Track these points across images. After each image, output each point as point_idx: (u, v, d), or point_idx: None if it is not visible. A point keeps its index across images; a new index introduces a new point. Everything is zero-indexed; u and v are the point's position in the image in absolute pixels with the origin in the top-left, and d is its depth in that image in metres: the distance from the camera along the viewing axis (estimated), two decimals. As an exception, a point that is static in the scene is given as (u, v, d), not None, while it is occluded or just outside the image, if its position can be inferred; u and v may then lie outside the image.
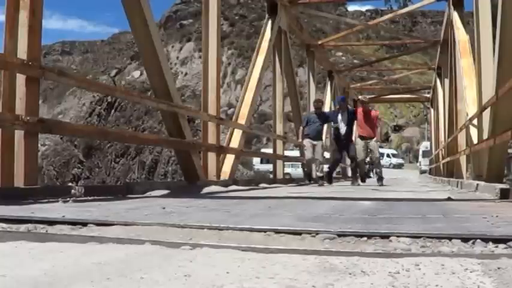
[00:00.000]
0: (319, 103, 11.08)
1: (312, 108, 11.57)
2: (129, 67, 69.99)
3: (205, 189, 6.09)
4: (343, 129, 10.12)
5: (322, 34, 48.75)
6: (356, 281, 1.31)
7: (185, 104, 10.16)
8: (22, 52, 3.90)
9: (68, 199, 3.55)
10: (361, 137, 10.13)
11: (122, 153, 31.52)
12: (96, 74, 64.75)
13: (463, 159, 9.89)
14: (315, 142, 10.11)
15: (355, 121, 10.31)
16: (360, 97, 12.36)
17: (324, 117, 10.61)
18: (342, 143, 10.23)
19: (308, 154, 10.26)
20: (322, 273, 1.39)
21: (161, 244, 1.80)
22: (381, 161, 11.62)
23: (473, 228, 2.05)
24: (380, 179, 10.14)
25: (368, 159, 11.23)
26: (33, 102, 3.98)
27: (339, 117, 10.24)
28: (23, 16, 3.95)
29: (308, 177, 11.43)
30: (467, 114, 8.19)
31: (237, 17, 73.10)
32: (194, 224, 2.16)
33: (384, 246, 1.79)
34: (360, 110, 10.34)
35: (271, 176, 13.32)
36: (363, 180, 10.40)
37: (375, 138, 10.06)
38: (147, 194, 4.88)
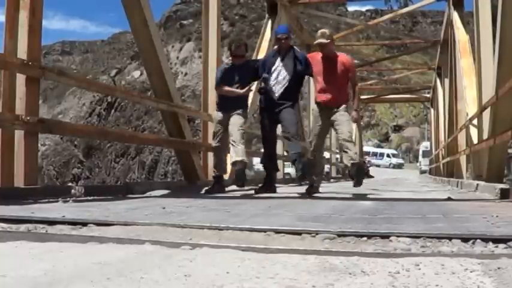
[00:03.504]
0: (241, 47, 5.62)
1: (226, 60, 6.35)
2: (129, 67, 69.94)
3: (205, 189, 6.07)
4: (278, 85, 5.43)
5: (322, 34, 48.63)
6: (356, 281, 1.31)
7: (185, 104, 10.14)
8: (22, 52, 3.90)
9: (68, 199, 3.55)
10: (320, 104, 5.47)
11: (122, 153, 31.61)
12: (96, 74, 64.71)
13: (463, 159, 9.89)
14: (231, 114, 5.52)
15: (311, 76, 5.69)
16: (318, 35, 5.32)
17: (249, 71, 5.63)
18: (274, 112, 5.45)
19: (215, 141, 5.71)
20: (322, 273, 1.39)
21: (161, 244, 1.80)
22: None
23: (473, 228, 2.05)
24: (358, 181, 5.31)
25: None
26: (33, 102, 3.98)
27: (277, 63, 5.48)
28: (23, 16, 3.95)
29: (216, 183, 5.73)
30: (467, 114, 8.20)
31: (237, 17, 73.05)
32: (194, 224, 2.16)
33: (384, 246, 1.79)
34: (317, 56, 5.48)
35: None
36: (312, 190, 5.48)
37: (343, 106, 5.34)
38: (147, 194, 4.88)
